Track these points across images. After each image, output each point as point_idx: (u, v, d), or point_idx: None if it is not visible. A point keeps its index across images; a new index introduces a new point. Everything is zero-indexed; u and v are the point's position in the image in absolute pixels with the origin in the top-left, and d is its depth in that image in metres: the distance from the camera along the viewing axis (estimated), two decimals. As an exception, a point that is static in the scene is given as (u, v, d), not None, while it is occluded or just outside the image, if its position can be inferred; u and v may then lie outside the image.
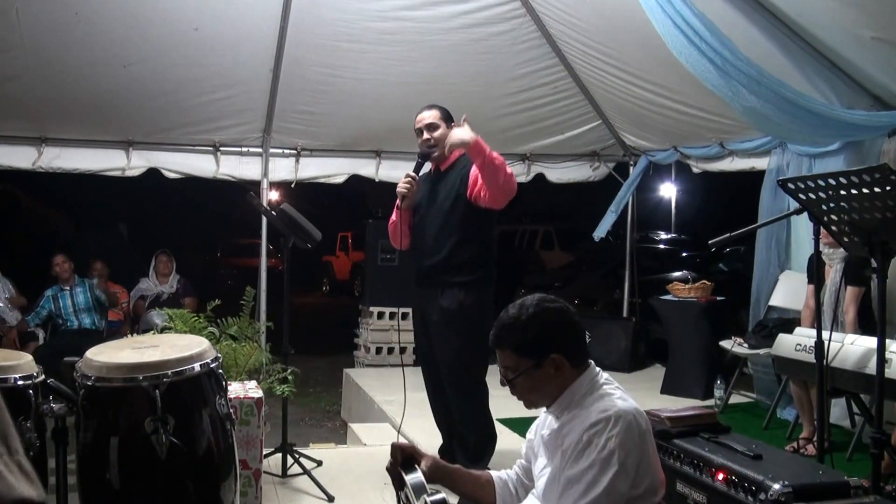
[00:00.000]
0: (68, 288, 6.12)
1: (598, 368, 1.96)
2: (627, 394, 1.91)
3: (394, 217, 3.84)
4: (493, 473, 2.12)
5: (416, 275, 3.81)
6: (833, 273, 4.19)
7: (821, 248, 4.41)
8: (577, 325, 1.94)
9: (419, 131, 3.74)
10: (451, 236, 3.65)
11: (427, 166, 3.82)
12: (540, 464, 1.98)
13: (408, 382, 4.02)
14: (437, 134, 3.69)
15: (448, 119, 3.72)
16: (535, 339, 1.88)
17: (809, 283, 4.50)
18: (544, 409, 2.00)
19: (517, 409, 5.11)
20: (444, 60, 5.53)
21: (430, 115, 3.71)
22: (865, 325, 4.00)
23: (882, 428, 2.70)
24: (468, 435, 3.75)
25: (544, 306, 1.91)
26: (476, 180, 3.58)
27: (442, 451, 3.94)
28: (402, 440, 4.05)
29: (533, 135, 6.55)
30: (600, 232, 6.99)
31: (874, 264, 3.99)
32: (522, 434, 4.51)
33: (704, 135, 5.75)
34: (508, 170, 3.53)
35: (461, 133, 3.47)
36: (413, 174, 3.68)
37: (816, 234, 3.07)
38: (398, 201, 3.72)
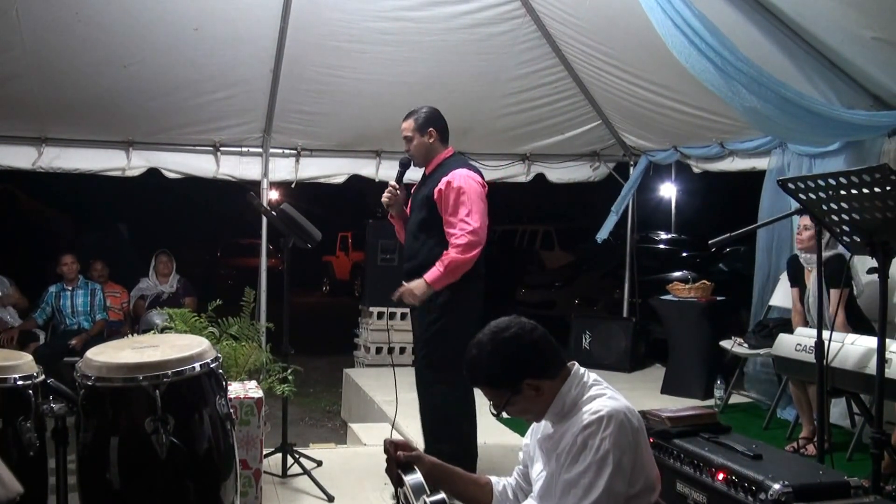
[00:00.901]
0: (70, 288, 6.12)
1: (581, 368, 1.95)
2: (617, 392, 1.91)
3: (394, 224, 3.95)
4: (493, 478, 2.12)
5: (402, 275, 3.82)
6: (813, 276, 4.20)
7: (797, 253, 4.45)
8: (539, 341, 1.90)
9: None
10: (428, 239, 3.67)
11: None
12: (537, 468, 1.98)
13: (406, 382, 4.04)
14: (412, 146, 3.75)
15: (424, 126, 3.71)
16: (501, 372, 1.88)
17: (792, 285, 4.52)
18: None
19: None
20: (445, 60, 5.53)
21: (405, 127, 3.76)
22: (856, 325, 4.00)
23: (882, 428, 2.71)
24: (434, 434, 3.69)
25: (500, 339, 1.88)
26: (439, 196, 3.59)
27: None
28: (395, 435, 4.05)
29: (533, 135, 6.55)
30: (602, 234, 6.97)
31: (860, 267, 4.02)
32: (522, 434, 4.52)
33: (704, 135, 5.75)
34: (463, 255, 3.49)
35: (414, 294, 3.53)
36: (395, 183, 3.76)
37: (818, 234, 3.06)
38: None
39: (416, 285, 3.53)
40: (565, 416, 1.88)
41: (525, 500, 2.03)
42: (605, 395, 1.87)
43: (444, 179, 3.60)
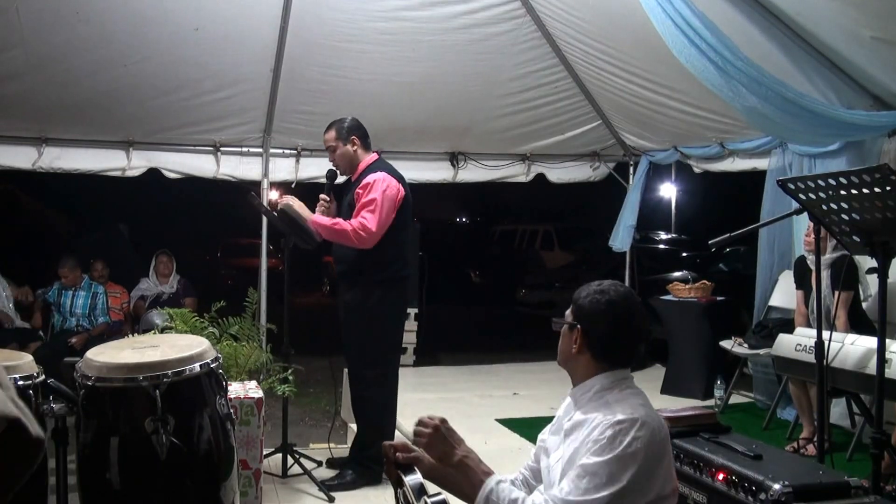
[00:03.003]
0: (73, 288, 6.11)
1: (632, 376, 1.96)
2: (651, 406, 1.91)
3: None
4: (496, 476, 2.11)
5: (336, 274, 4.05)
6: (821, 278, 4.20)
7: (804, 254, 4.44)
8: (621, 330, 1.92)
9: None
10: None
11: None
12: (554, 457, 1.96)
13: (407, 383, 4.05)
14: (335, 155, 3.90)
15: (347, 135, 3.87)
16: (580, 306, 1.94)
17: (798, 288, 4.51)
18: (567, 397, 2.00)
19: (516, 410, 5.12)
20: (444, 60, 5.53)
21: (328, 138, 3.91)
22: (858, 326, 4.00)
23: (882, 428, 2.71)
24: (360, 424, 3.95)
25: (609, 297, 1.92)
26: (358, 197, 3.74)
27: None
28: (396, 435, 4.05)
29: (533, 135, 6.55)
30: (622, 245, 6.92)
31: (864, 267, 4.03)
32: (522, 434, 4.53)
33: (705, 135, 5.75)
34: (352, 235, 3.65)
35: (290, 204, 3.79)
36: (325, 196, 3.91)
37: (817, 234, 3.06)
38: None
39: (299, 205, 3.77)
40: (592, 402, 1.89)
41: (532, 494, 2.02)
42: (639, 400, 1.88)
43: (364, 181, 3.76)
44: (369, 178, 3.73)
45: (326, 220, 3.74)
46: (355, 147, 3.87)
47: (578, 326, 1.93)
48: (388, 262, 3.79)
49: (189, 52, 5.11)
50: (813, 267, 4.23)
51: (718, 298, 5.88)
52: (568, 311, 2.00)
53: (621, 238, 6.89)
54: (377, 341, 3.83)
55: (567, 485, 1.77)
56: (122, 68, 5.10)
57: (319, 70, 5.51)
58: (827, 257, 4.08)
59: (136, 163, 5.93)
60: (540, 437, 2.10)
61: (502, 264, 14.59)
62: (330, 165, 4.02)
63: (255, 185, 6.22)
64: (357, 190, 3.75)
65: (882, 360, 2.69)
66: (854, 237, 2.74)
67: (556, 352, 2.02)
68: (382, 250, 3.73)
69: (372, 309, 3.78)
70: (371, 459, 3.70)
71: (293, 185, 6.37)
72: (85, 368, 2.43)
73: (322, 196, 3.90)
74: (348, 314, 3.87)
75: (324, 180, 4.12)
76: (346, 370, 6.78)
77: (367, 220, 3.64)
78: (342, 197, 3.97)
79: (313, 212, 3.86)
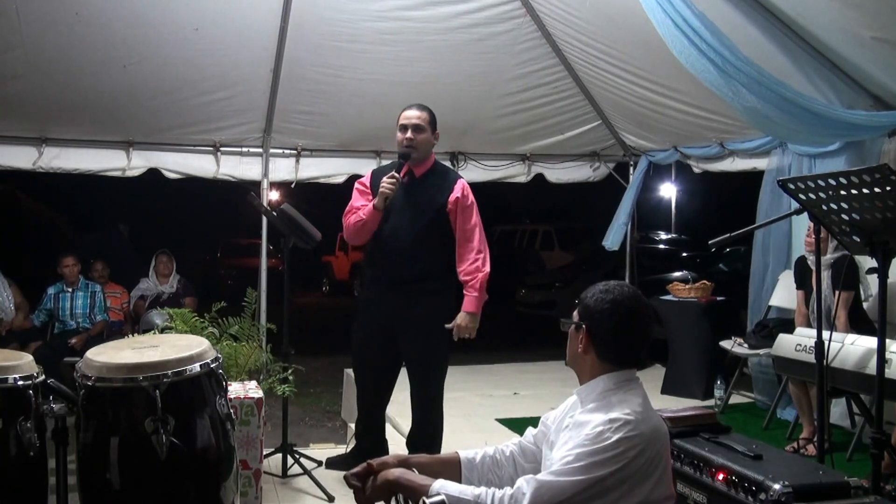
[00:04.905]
0: (70, 290, 6.11)
1: (640, 381, 1.97)
2: (654, 413, 1.92)
3: (363, 215, 3.65)
4: (462, 453, 2.10)
5: (383, 280, 3.76)
6: (822, 278, 4.21)
7: (805, 255, 4.45)
8: (625, 330, 1.93)
9: (403, 128, 3.64)
10: (431, 246, 3.68)
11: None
12: (557, 454, 1.97)
13: (404, 383, 4.05)
14: (420, 137, 3.62)
15: (434, 124, 3.69)
16: (586, 306, 1.95)
17: (798, 288, 4.51)
18: (574, 394, 2.01)
19: (517, 410, 5.10)
20: (444, 60, 5.53)
21: (419, 116, 3.63)
22: (859, 327, 4.00)
23: (882, 428, 2.71)
24: (427, 427, 3.88)
25: (614, 297, 1.92)
26: (456, 205, 3.68)
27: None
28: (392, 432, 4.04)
29: (533, 135, 6.55)
30: (613, 243, 6.92)
31: (865, 267, 4.03)
32: (522, 434, 4.52)
33: (705, 135, 5.75)
34: (487, 270, 3.72)
35: (471, 328, 3.75)
36: (396, 174, 3.59)
37: (817, 234, 3.06)
38: (376, 200, 3.59)
39: (471, 319, 3.71)
40: (593, 403, 1.89)
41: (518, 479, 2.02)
42: (640, 403, 1.89)
43: (459, 188, 3.69)
44: (465, 190, 3.72)
45: (476, 295, 3.69)
46: (437, 140, 3.75)
47: (584, 326, 1.94)
48: (453, 268, 3.76)
49: (189, 52, 5.10)
50: (813, 267, 4.25)
51: (718, 298, 5.88)
52: (575, 312, 2.00)
53: (613, 237, 6.88)
54: (446, 345, 3.84)
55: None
56: (122, 68, 5.10)
57: (319, 70, 5.51)
58: (827, 257, 4.08)
59: (136, 163, 5.93)
60: (543, 418, 2.11)
61: (502, 264, 14.59)
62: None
63: (255, 185, 6.22)
64: (455, 196, 3.67)
65: (882, 360, 2.69)
66: (854, 237, 2.74)
67: (556, 351, 2.04)
68: (451, 257, 3.73)
69: (444, 314, 3.74)
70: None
71: (293, 186, 6.38)
72: (85, 368, 2.43)
73: (394, 173, 3.58)
74: (425, 325, 3.70)
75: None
76: (347, 371, 6.78)
77: (483, 243, 3.73)
78: (408, 191, 3.67)
79: (377, 190, 3.61)
